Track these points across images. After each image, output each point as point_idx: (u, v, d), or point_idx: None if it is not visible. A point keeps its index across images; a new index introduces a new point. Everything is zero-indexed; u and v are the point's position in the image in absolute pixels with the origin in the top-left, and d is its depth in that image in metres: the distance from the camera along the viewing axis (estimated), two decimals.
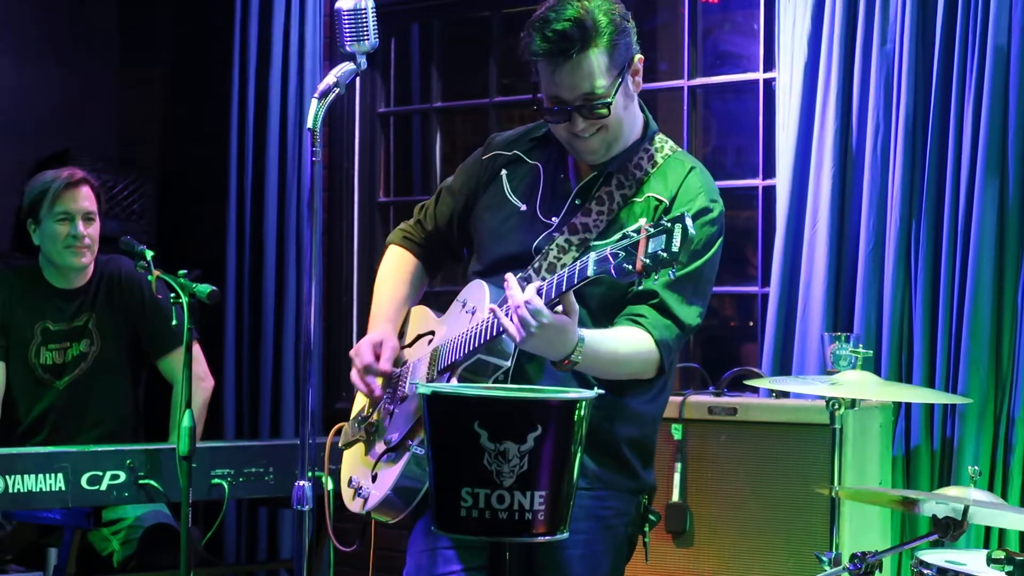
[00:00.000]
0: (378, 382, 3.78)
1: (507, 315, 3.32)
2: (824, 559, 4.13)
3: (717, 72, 6.09)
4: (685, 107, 5.96)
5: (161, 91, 7.32)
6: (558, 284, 3.28)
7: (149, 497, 4.82)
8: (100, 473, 4.72)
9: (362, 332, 4.05)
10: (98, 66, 7.25)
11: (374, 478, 3.73)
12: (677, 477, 4.85)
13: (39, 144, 6.80)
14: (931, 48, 5.04)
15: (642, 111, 3.75)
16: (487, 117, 6.66)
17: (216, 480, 4.91)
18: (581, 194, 3.67)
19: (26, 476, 4.60)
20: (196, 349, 5.37)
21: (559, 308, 3.29)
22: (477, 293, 3.64)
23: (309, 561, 3.60)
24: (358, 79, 3.73)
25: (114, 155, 7.24)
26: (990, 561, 3.72)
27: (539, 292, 3.29)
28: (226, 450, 5.02)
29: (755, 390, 5.03)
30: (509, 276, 3.39)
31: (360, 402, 3.94)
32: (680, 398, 4.93)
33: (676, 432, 4.89)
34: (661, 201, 3.61)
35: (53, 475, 4.64)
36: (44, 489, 4.63)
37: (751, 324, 5.89)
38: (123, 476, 4.75)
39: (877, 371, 5.00)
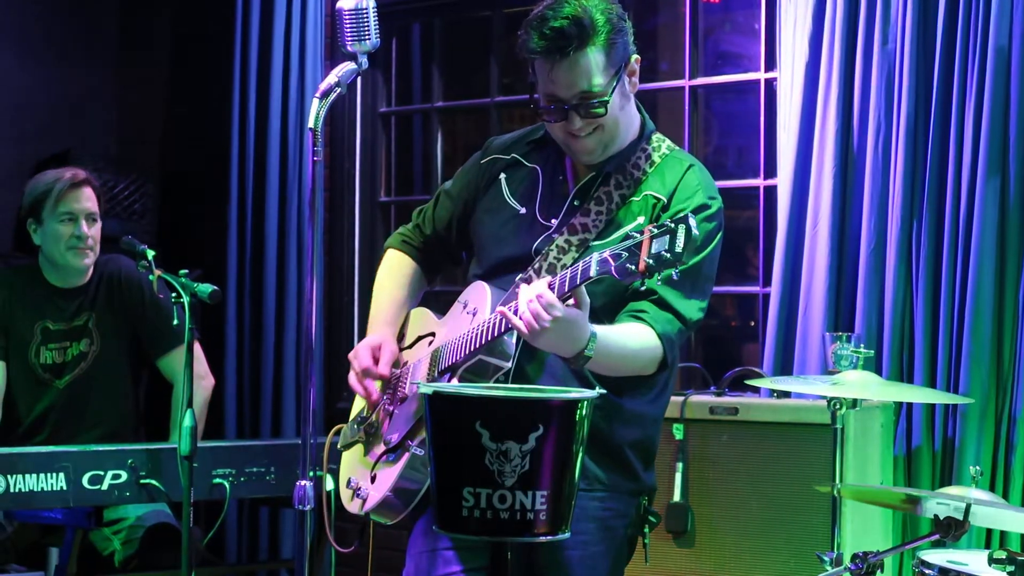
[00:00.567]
0: (376, 385, 3.79)
1: (516, 314, 3.30)
2: (825, 559, 4.13)
3: (718, 72, 6.09)
4: (686, 107, 5.96)
5: (162, 91, 7.32)
6: (561, 283, 3.28)
7: (150, 497, 4.82)
8: (101, 473, 4.72)
9: (363, 332, 4.06)
10: (99, 66, 7.26)
11: (373, 479, 3.73)
12: (678, 477, 4.85)
13: (40, 144, 6.80)
14: (932, 48, 5.04)
15: (639, 111, 3.75)
16: (488, 117, 6.66)
17: (217, 480, 4.91)
18: (580, 195, 3.67)
19: (27, 476, 4.60)
20: (196, 348, 5.37)
21: (570, 302, 3.29)
22: (478, 294, 3.64)
23: (310, 561, 3.60)
24: (359, 78, 3.73)
25: (115, 155, 7.24)
26: (991, 561, 3.72)
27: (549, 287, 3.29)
28: (227, 450, 5.02)
29: (756, 390, 5.03)
30: (521, 281, 3.45)
31: (359, 404, 3.94)
32: (681, 398, 4.93)
33: (677, 432, 4.89)
34: (659, 199, 3.61)
35: (54, 475, 4.64)
36: (45, 489, 4.63)
37: (752, 324, 5.89)
38: (124, 476, 4.75)
39: (878, 371, 5.00)
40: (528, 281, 3.52)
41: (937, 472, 4.99)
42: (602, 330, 3.38)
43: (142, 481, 4.77)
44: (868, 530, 4.74)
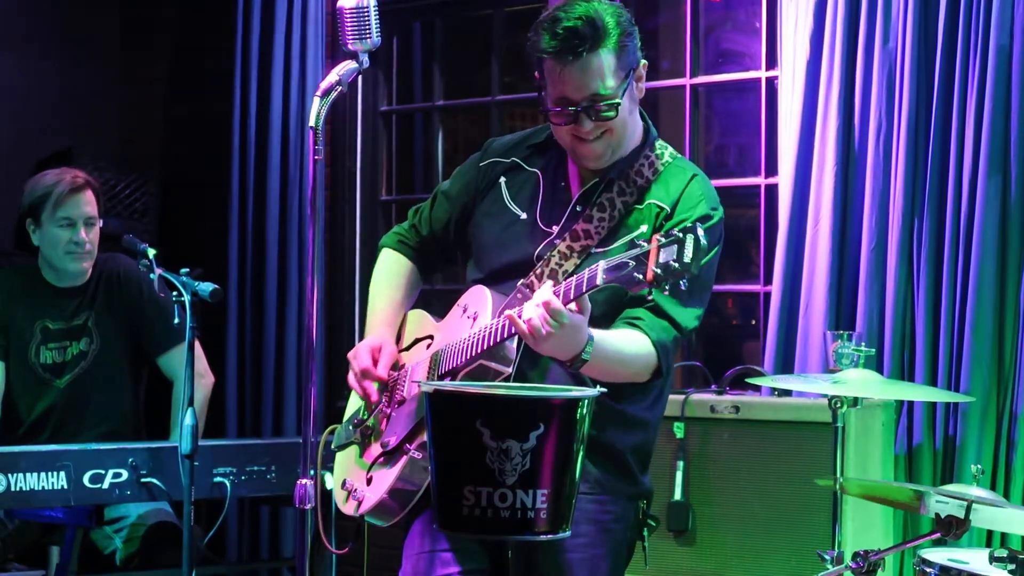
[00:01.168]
0: (375, 387, 3.77)
1: (520, 318, 3.28)
2: (826, 557, 4.13)
3: (719, 70, 6.09)
4: (687, 105, 5.95)
5: (163, 89, 7.32)
6: (566, 291, 3.25)
7: (151, 495, 4.82)
8: (102, 471, 4.73)
9: (363, 330, 4.04)
10: (101, 64, 7.26)
11: (369, 481, 3.71)
12: (679, 476, 4.85)
13: (42, 143, 6.80)
14: (933, 47, 5.04)
15: (642, 118, 3.73)
16: (489, 115, 6.66)
17: (218, 478, 4.91)
18: (582, 201, 3.65)
19: (28, 475, 4.60)
20: (197, 346, 5.37)
21: (572, 307, 3.26)
22: (479, 298, 3.62)
23: (311, 560, 3.60)
24: (360, 77, 3.73)
25: (116, 153, 7.24)
26: (992, 559, 3.72)
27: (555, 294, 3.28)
28: (228, 448, 5.02)
29: (757, 388, 5.03)
30: (522, 286, 3.46)
31: (354, 404, 3.93)
32: (682, 396, 4.93)
33: (678, 431, 4.89)
34: (663, 208, 3.60)
35: (55, 473, 4.65)
36: (46, 487, 4.63)
37: (753, 322, 5.89)
38: (125, 474, 4.75)
39: (879, 369, 5.00)
40: (529, 287, 3.53)
41: (938, 470, 4.99)
42: (599, 335, 3.37)
43: (143, 480, 4.77)
44: (869, 528, 4.74)
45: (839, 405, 4.26)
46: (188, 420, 4.40)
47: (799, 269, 5.28)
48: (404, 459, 3.59)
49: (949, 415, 4.98)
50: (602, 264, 3.18)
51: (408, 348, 3.86)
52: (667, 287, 3.12)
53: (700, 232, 3.08)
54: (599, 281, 3.18)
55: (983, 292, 4.88)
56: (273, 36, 6.71)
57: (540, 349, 3.31)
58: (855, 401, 4.35)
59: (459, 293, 3.75)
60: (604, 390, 3.17)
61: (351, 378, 3.80)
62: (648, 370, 3.52)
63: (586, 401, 3.06)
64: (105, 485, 4.73)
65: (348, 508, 3.77)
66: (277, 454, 5.06)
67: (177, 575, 4.46)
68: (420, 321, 3.90)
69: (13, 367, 5.37)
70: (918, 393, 4.78)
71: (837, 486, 4.20)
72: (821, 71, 5.25)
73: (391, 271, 3.99)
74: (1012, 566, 3.69)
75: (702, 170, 3.75)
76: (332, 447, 3.91)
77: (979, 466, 4.14)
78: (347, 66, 3.52)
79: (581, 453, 3.08)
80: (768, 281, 5.49)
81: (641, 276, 3.10)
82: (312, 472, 3.45)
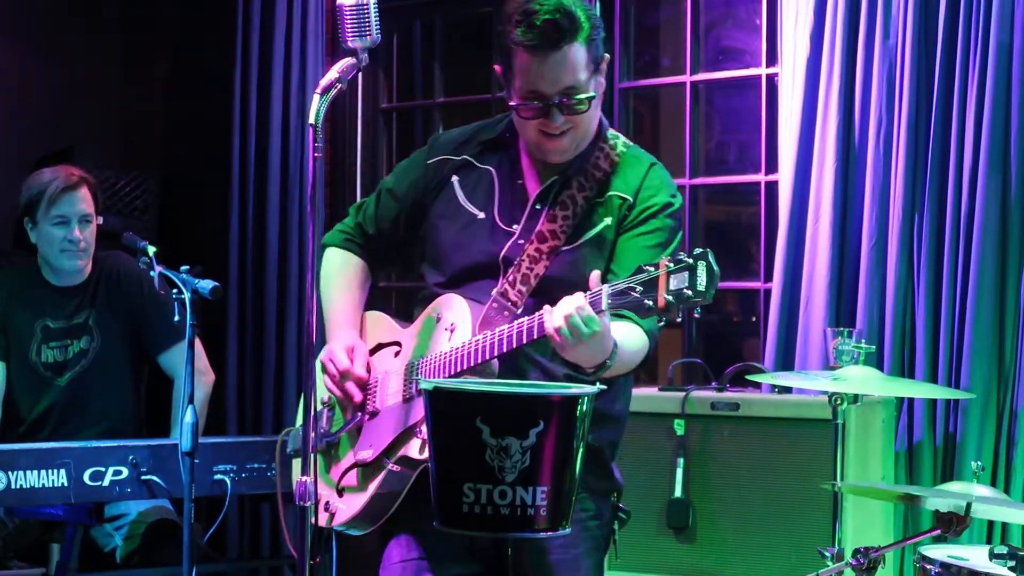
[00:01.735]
0: (357, 387, 3.71)
1: (535, 323, 3.30)
2: (827, 554, 4.14)
3: (719, 68, 6.10)
4: (688, 103, 5.95)
5: (164, 87, 7.32)
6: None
7: (151, 493, 4.82)
8: (103, 469, 4.72)
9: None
10: (101, 62, 7.25)
11: (341, 492, 3.67)
12: (679, 473, 4.85)
13: (42, 140, 6.80)
14: (934, 43, 5.04)
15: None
16: (489, 112, 6.65)
17: (219, 476, 4.91)
18: (541, 199, 3.62)
19: (28, 472, 4.60)
20: (197, 344, 5.36)
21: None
22: (456, 310, 3.55)
23: (312, 557, 3.59)
24: (360, 74, 3.73)
25: (117, 151, 7.24)
26: (993, 556, 3.72)
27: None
28: (229, 446, 5.02)
29: (758, 385, 5.04)
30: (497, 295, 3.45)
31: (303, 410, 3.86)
32: (683, 393, 4.93)
33: (678, 428, 4.89)
34: (625, 199, 3.60)
35: (55, 471, 4.64)
36: (47, 485, 4.63)
37: (754, 319, 5.89)
38: (125, 472, 4.75)
39: (880, 366, 5.01)
40: (504, 294, 3.52)
41: (939, 467, 5.00)
42: (619, 338, 3.35)
43: (143, 477, 4.77)
44: (869, 525, 4.74)
45: (839, 402, 4.26)
46: (188, 417, 4.40)
47: (799, 266, 5.28)
48: (383, 473, 3.56)
49: (949, 412, 4.98)
50: (606, 289, 3.18)
51: (372, 352, 3.78)
52: (680, 315, 3.12)
53: (711, 259, 3.07)
54: (603, 306, 3.17)
55: (983, 289, 4.88)
56: (273, 33, 6.71)
57: (569, 355, 3.29)
58: (855, 398, 4.35)
59: (410, 291, 3.69)
60: (604, 387, 3.16)
61: (327, 381, 3.72)
62: (641, 359, 3.54)
63: (586, 398, 3.06)
64: (105, 482, 4.72)
65: (320, 519, 3.67)
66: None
67: (177, 573, 4.46)
68: (381, 324, 3.83)
69: (14, 366, 5.37)
70: (918, 390, 4.78)
71: (836, 489, 4.20)
72: (821, 68, 5.25)
73: (344, 270, 3.90)
74: (1012, 563, 3.69)
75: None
76: (288, 450, 3.80)
77: (979, 463, 4.14)
78: (347, 63, 3.51)
79: (581, 450, 3.07)
80: (768, 278, 5.49)
81: (652, 303, 3.10)
82: (310, 472, 3.44)
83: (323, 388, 3.78)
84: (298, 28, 6.70)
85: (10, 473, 4.57)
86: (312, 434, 3.39)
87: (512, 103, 3.56)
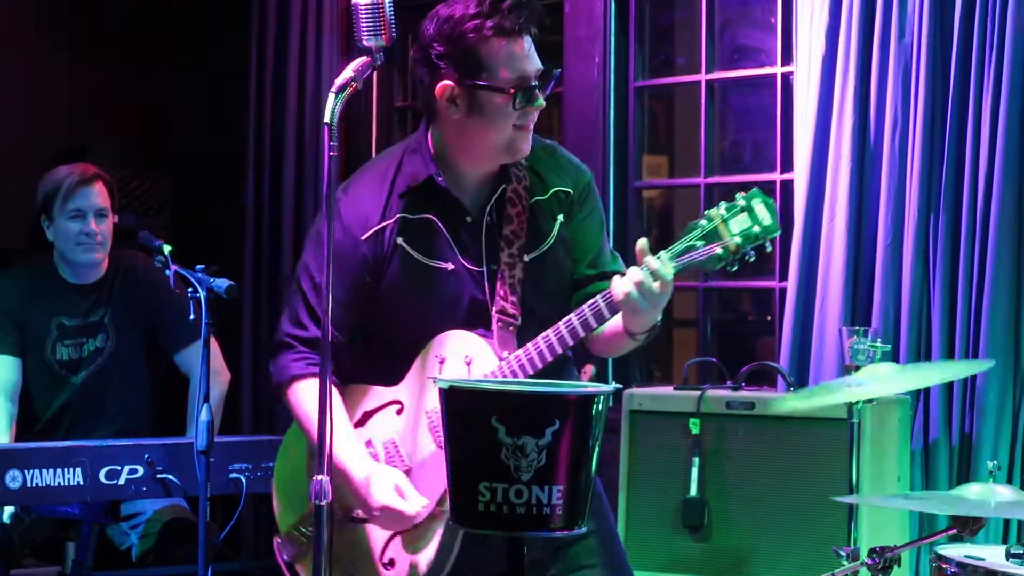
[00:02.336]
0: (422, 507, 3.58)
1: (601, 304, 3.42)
2: (842, 553, 4.13)
3: (735, 66, 6.10)
4: (703, 101, 5.95)
5: (178, 86, 7.32)
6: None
7: (167, 491, 4.82)
8: (118, 467, 4.73)
9: None
10: (115, 62, 7.26)
11: (391, 563, 3.62)
12: (695, 472, 4.85)
13: (57, 140, 6.81)
14: (949, 41, 5.03)
15: None
16: None
17: (234, 474, 4.91)
18: (489, 214, 3.65)
19: (44, 471, 4.60)
20: (213, 343, 5.36)
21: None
22: (461, 341, 3.56)
23: (328, 555, 3.59)
24: (375, 73, 3.72)
25: (131, 151, 7.25)
26: (1009, 556, 3.71)
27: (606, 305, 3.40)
28: (244, 444, 5.02)
29: (773, 385, 5.03)
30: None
31: (297, 503, 3.79)
32: (698, 392, 4.93)
33: (694, 427, 4.89)
34: (567, 192, 3.69)
35: (71, 470, 4.65)
36: (62, 484, 4.63)
37: (769, 319, 5.88)
38: (141, 470, 4.75)
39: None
40: (503, 311, 3.57)
41: (955, 467, 4.99)
42: None
43: (159, 476, 4.77)
44: (885, 524, 4.73)
45: (855, 402, 4.25)
46: (204, 416, 4.41)
47: (815, 265, 5.27)
48: (440, 527, 3.53)
49: (965, 411, 4.98)
50: (664, 254, 3.33)
51: (363, 422, 3.71)
52: (752, 254, 3.26)
53: (761, 194, 3.26)
54: (669, 275, 3.33)
55: (999, 287, 4.87)
56: (288, 33, 6.72)
57: (635, 323, 3.46)
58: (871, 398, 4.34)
59: None
60: (619, 386, 3.18)
61: (409, 512, 3.56)
62: None
63: (601, 397, 3.06)
64: (121, 481, 4.73)
65: None
66: None
67: (193, 571, 4.46)
68: (360, 394, 3.73)
69: (30, 364, 5.37)
70: (937, 372, 4.70)
71: (852, 502, 4.18)
72: (837, 66, 5.24)
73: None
74: None
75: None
76: (289, 559, 3.78)
77: (995, 462, 4.13)
78: (362, 62, 3.52)
79: (597, 449, 3.07)
80: (784, 277, 5.49)
81: (721, 251, 3.27)
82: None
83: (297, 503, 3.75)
84: (313, 27, 6.70)
85: (26, 472, 4.57)
86: (328, 435, 3.38)
87: (500, 94, 3.52)
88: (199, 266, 4.57)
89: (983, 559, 3.86)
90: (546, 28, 3.59)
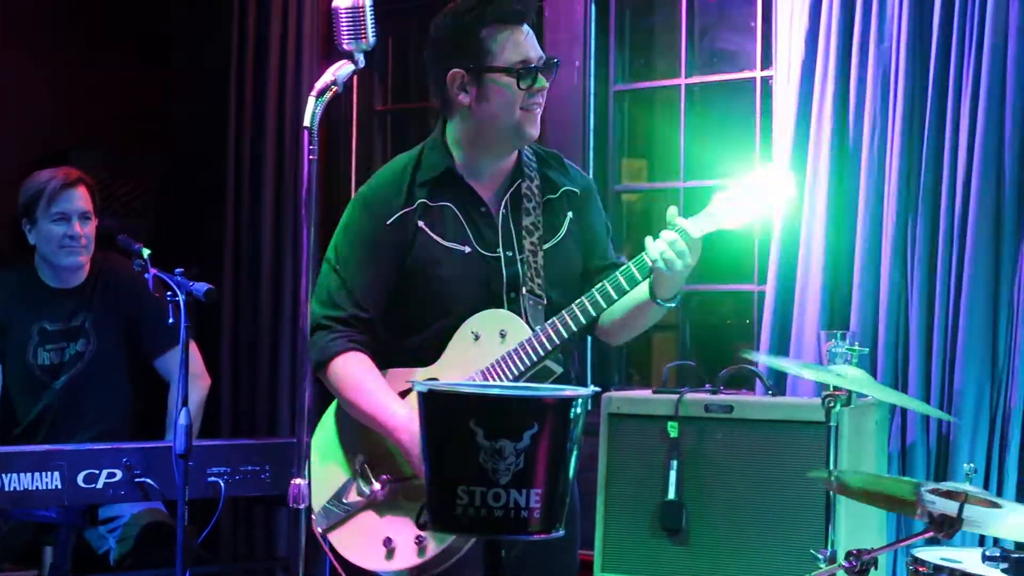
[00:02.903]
0: None
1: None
2: (819, 556, 4.13)
3: (714, 70, 6.10)
4: (682, 105, 5.96)
5: (159, 89, 7.31)
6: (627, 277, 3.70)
7: (145, 495, 4.82)
8: (96, 471, 4.73)
9: None
10: (96, 64, 7.24)
11: (423, 526, 3.72)
12: (673, 475, 4.84)
13: (38, 143, 6.80)
14: (928, 46, 5.04)
15: None
16: None
17: (212, 478, 4.92)
18: (504, 208, 3.92)
19: (22, 474, 4.60)
20: (193, 348, 5.37)
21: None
22: (496, 318, 3.80)
23: (306, 559, 3.60)
24: (355, 77, 3.72)
25: (113, 154, 7.23)
26: (985, 558, 3.73)
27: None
28: (222, 448, 5.03)
29: (752, 388, 5.04)
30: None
31: (331, 479, 3.93)
32: (676, 396, 4.93)
33: (672, 430, 4.89)
34: (574, 191, 4.02)
35: (49, 473, 4.65)
36: (40, 488, 4.63)
37: (748, 322, 5.88)
38: (119, 474, 4.76)
39: (873, 368, 5.01)
40: (532, 292, 3.82)
41: (932, 469, 5.00)
42: None
43: (137, 480, 4.77)
44: (862, 527, 4.74)
45: (832, 404, 4.26)
46: (182, 420, 4.41)
47: (793, 269, 5.28)
48: None
49: None
50: (688, 224, 3.71)
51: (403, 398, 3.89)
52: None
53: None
54: (697, 235, 3.71)
55: (976, 291, 4.88)
56: (268, 36, 6.72)
57: (663, 288, 3.78)
58: (848, 400, 4.34)
59: None
60: (598, 389, 3.20)
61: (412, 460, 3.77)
62: None
63: (580, 400, 3.06)
64: (99, 485, 4.73)
65: (400, 561, 3.78)
66: (271, 454, 5.06)
67: (171, 575, 4.47)
68: (403, 374, 3.91)
69: (11, 369, 5.37)
70: (907, 401, 4.78)
71: (832, 476, 4.19)
72: (816, 70, 5.25)
73: (365, 370, 3.90)
74: (1005, 565, 3.70)
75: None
76: (324, 528, 3.89)
77: (972, 464, 4.14)
78: (342, 66, 3.52)
79: (575, 453, 3.08)
80: (762, 281, 5.49)
81: (747, 208, 3.73)
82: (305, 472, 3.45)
83: (356, 449, 3.93)
84: (293, 31, 6.70)
85: (3, 475, 4.57)
86: (306, 439, 3.39)
87: (505, 75, 3.81)
88: (178, 269, 4.58)
89: (960, 562, 3.88)
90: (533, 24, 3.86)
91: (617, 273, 3.72)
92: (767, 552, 4.73)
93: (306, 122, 3.44)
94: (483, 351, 3.77)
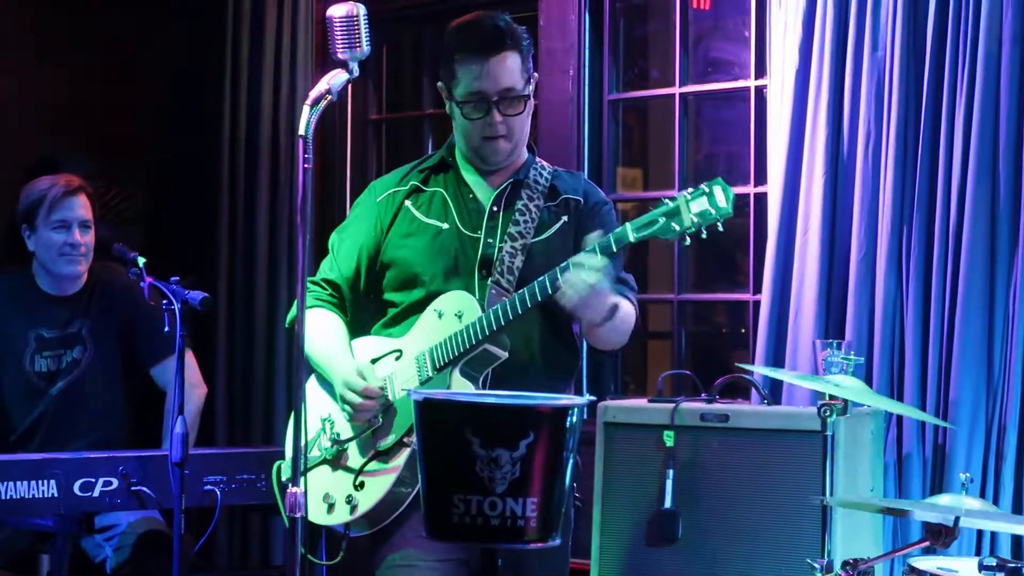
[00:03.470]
0: (377, 402, 3.97)
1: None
2: (816, 566, 4.13)
3: (708, 80, 6.11)
4: (677, 114, 5.96)
5: (152, 97, 7.30)
6: (604, 247, 3.72)
7: (141, 503, 4.82)
8: (92, 480, 4.72)
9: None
10: (88, 72, 7.24)
11: (360, 485, 3.93)
12: (669, 484, 4.84)
13: (28, 151, 6.79)
14: (922, 55, 5.05)
15: None
16: None
17: (208, 487, 4.91)
18: (496, 202, 4.04)
19: (18, 483, 4.60)
20: (190, 356, 5.37)
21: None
22: (459, 300, 3.92)
23: (301, 567, 3.60)
24: (349, 85, 3.73)
25: (105, 161, 7.23)
26: (982, 568, 3.73)
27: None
28: (218, 457, 5.02)
29: (747, 397, 5.04)
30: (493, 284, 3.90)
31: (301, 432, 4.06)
32: (672, 405, 4.93)
33: (668, 439, 4.89)
34: (577, 200, 4.12)
35: (45, 482, 4.64)
36: (36, 496, 4.62)
37: (743, 331, 5.89)
38: (115, 483, 4.75)
39: (869, 377, 5.01)
40: (498, 283, 3.94)
41: (928, 479, 5.00)
42: (616, 298, 3.90)
43: (133, 488, 4.77)
44: (858, 537, 4.74)
45: (828, 413, 4.26)
46: (178, 428, 4.41)
47: (788, 278, 5.28)
48: (405, 451, 3.87)
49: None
50: (630, 225, 3.72)
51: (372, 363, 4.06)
52: (705, 232, 3.68)
53: (723, 182, 3.69)
54: (631, 238, 3.72)
55: (972, 300, 4.88)
56: (263, 45, 6.72)
57: (584, 306, 3.78)
58: (844, 409, 4.34)
59: None
60: (593, 398, 3.22)
61: (358, 402, 3.95)
62: (632, 325, 4.09)
63: (576, 410, 3.07)
64: (95, 493, 4.72)
65: (337, 517, 3.97)
66: (267, 462, 5.04)
67: None
68: (372, 343, 4.10)
69: (7, 375, 5.37)
70: (901, 409, 4.79)
71: (826, 503, 4.20)
72: (810, 80, 5.25)
73: (325, 321, 4.14)
74: (1001, 574, 3.70)
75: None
76: (285, 480, 3.98)
77: (968, 474, 4.14)
78: (337, 75, 3.53)
79: (571, 461, 3.09)
80: (757, 290, 5.50)
81: (679, 226, 3.68)
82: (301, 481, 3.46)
83: (322, 406, 4.08)
84: (288, 39, 6.70)
85: (0, 484, 4.56)
86: (302, 447, 3.41)
87: (457, 103, 3.98)
88: (174, 278, 4.58)
89: (956, 571, 3.88)
90: (523, 50, 3.98)
91: (545, 278, 3.80)
92: (763, 562, 4.73)
93: (301, 130, 3.46)
94: (441, 329, 3.90)
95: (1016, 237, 4.88)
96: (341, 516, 3.96)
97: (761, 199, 5.57)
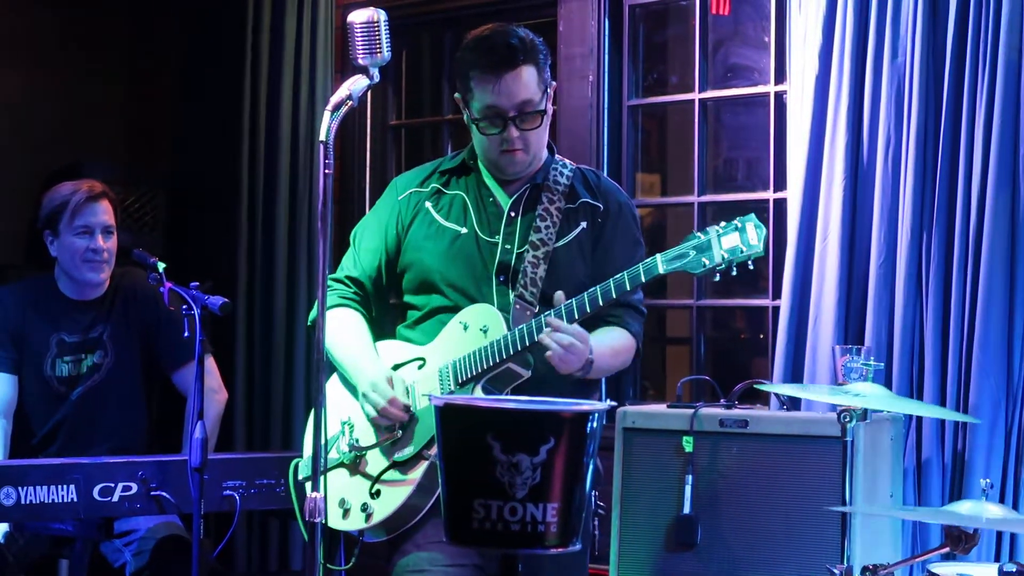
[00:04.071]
0: (401, 411, 4.00)
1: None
2: (835, 571, 4.13)
3: (728, 85, 6.10)
4: (696, 120, 5.96)
5: (172, 102, 7.32)
6: (618, 285, 3.75)
7: (161, 508, 4.82)
8: (112, 484, 4.73)
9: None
10: (108, 77, 7.27)
11: (377, 494, 3.96)
12: (688, 489, 4.84)
13: (50, 156, 6.81)
14: (942, 61, 5.04)
15: None
16: None
17: (228, 492, 4.92)
18: (514, 207, 4.07)
19: (38, 487, 4.61)
20: (210, 362, 5.39)
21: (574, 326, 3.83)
22: (486, 315, 3.94)
23: (322, 572, 3.61)
24: (369, 91, 3.75)
25: (125, 167, 7.25)
26: (1002, 573, 3.72)
27: (591, 301, 3.79)
28: (238, 462, 5.02)
29: (766, 403, 5.04)
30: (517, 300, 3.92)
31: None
32: (691, 410, 4.93)
33: (687, 444, 4.89)
34: (595, 205, 4.14)
35: (65, 486, 4.65)
36: (56, 500, 4.63)
37: (762, 337, 5.89)
38: (135, 488, 4.76)
39: (888, 383, 5.00)
40: (521, 297, 3.97)
41: (947, 485, 4.99)
42: (593, 340, 3.91)
43: (152, 493, 4.77)
44: (878, 542, 4.73)
45: (848, 419, 4.26)
46: (198, 433, 4.42)
47: (808, 283, 5.28)
48: (423, 464, 3.89)
49: (958, 429, 4.97)
50: (660, 257, 3.74)
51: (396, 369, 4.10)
52: (735, 270, 3.68)
53: (755, 220, 3.68)
54: (661, 270, 3.74)
55: (992, 307, 4.87)
56: (283, 50, 6.72)
57: (560, 362, 3.80)
58: (864, 415, 4.34)
59: None
60: (615, 403, 3.22)
61: (384, 405, 3.98)
62: (631, 355, 4.12)
63: (596, 415, 3.07)
64: (115, 498, 4.73)
65: (352, 523, 4.01)
66: (286, 467, 5.03)
67: None
68: (396, 348, 4.14)
69: (28, 380, 5.37)
70: (924, 410, 4.78)
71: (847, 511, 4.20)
72: (830, 86, 5.25)
73: (348, 321, 4.18)
74: None
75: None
76: (301, 479, 4.13)
77: (988, 480, 4.14)
78: (357, 81, 3.54)
79: (591, 467, 3.09)
80: (777, 295, 5.49)
81: (709, 261, 3.69)
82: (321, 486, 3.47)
83: (343, 409, 4.12)
84: (308, 45, 6.71)
85: (20, 488, 4.57)
86: (322, 452, 3.42)
87: (474, 119, 4.00)
88: (193, 283, 4.59)
89: None
90: (539, 62, 4.00)
91: (552, 312, 3.84)
92: (782, 567, 4.72)
93: (321, 136, 3.47)
94: (466, 343, 3.93)
95: None
96: (356, 523, 4.00)
97: (781, 205, 5.57)
